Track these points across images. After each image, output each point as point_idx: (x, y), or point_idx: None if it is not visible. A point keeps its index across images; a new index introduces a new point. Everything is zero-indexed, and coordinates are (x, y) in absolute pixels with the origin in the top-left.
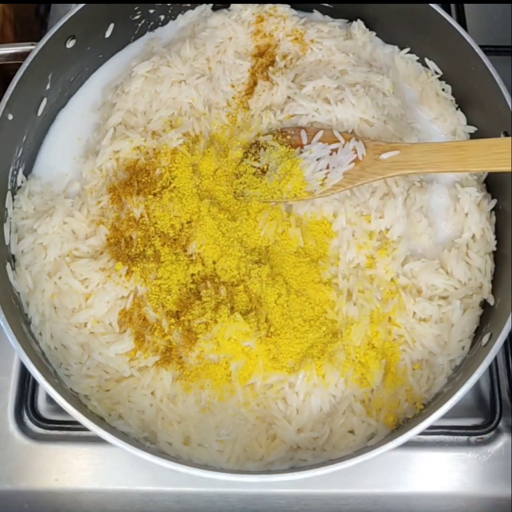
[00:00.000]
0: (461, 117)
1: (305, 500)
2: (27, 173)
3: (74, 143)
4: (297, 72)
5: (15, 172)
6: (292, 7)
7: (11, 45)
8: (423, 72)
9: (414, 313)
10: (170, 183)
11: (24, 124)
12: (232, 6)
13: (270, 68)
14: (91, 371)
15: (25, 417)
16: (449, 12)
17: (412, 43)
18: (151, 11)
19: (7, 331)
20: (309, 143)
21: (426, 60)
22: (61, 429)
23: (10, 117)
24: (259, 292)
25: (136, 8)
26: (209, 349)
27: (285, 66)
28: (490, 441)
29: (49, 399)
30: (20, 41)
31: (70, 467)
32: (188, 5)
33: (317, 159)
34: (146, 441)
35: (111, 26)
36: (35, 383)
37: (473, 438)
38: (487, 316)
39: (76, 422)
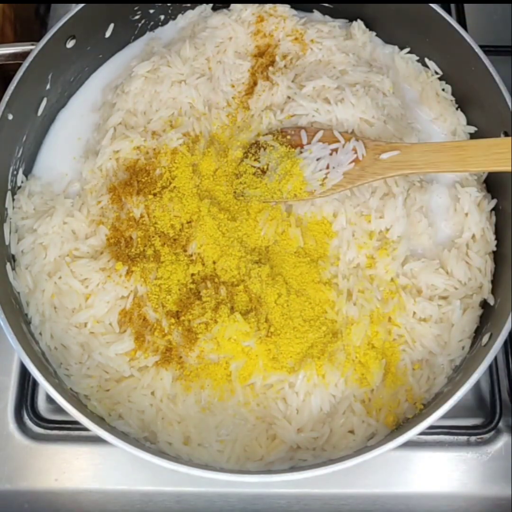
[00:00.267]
0: (461, 117)
1: (305, 500)
2: (27, 173)
3: (74, 143)
4: (297, 72)
5: (15, 172)
6: (292, 7)
7: (11, 45)
8: (423, 72)
9: (414, 313)
10: (170, 183)
11: (24, 124)
12: (232, 6)
13: (270, 68)
14: (91, 371)
15: (25, 417)
16: (449, 12)
17: (412, 43)
18: (151, 11)
19: (7, 331)
20: (309, 143)
21: (426, 60)
22: (61, 429)
23: (10, 117)
24: (259, 292)
25: (136, 8)
26: (209, 349)
27: (285, 66)
28: (490, 441)
29: (49, 399)
30: (20, 41)
31: (70, 467)
32: (188, 5)
33: (317, 159)
34: (146, 441)
35: (111, 26)
36: (35, 383)
37: (473, 438)
38: (487, 316)
39: (76, 422)
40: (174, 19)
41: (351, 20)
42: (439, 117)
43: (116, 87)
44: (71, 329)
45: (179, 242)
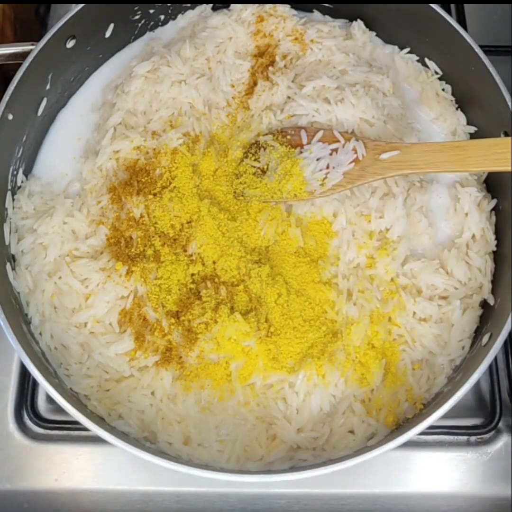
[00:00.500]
0: (461, 117)
1: (305, 500)
2: (27, 173)
3: (74, 143)
4: (297, 72)
5: (15, 172)
6: (292, 7)
7: (11, 45)
8: (423, 72)
9: (414, 313)
10: (170, 183)
11: (24, 124)
12: (232, 6)
13: (270, 68)
14: (91, 371)
15: (25, 417)
16: (449, 12)
17: (412, 43)
18: (151, 11)
19: (7, 331)
20: (309, 143)
21: (426, 60)
22: (61, 429)
23: (10, 117)
24: (259, 292)
25: (136, 8)
26: (209, 349)
27: (285, 66)
28: (490, 441)
29: (49, 399)
30: (20, 41)
31: (70, 467)
32: (188, 5)
33: (317, 159)
34: (146, 441)
35: (111, 26)
36: (35, 383)
37: (473, 438)
38: (487, 316)
39: (76, 422)
40: (174, 19)
41: (351, 20)
42: (439, 117)
43: (116, 87)
44: (71, 329)
45: (179, 242)
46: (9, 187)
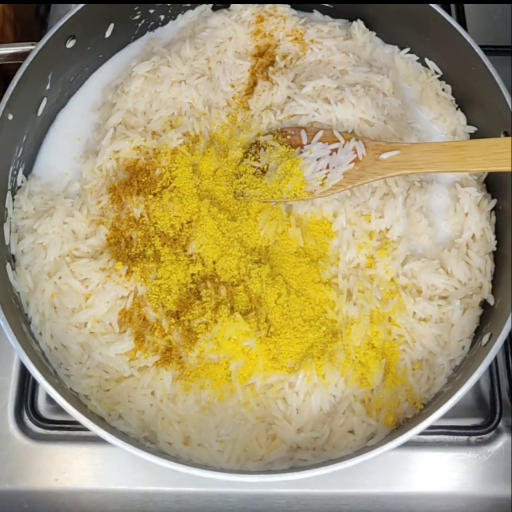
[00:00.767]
0: (461, 117)
1: (305, 500)
2: (27, 173)
3: (74, 143)
4: (297, 72)
5: (15, 172)
6: (292, 7)
7: (11, 45)
8: (423, 72)
9: (414, 313)
10: (170, 183)
11: (24, 124)
12: (232, 6)
13: (270, 68)
14: (91, 371)
15: (25, 417)
16: (449, 12)
17: (412, 43)
18: (151, 11)
19: (7, 331)
20: (309, 143)
21: (426, 60)
22: (61, 429)
23: (10, 117)
24: (259, 292)
25: (136, 8)
26: (209, 349)
27: (285, 66)
28: (490, 441)
29: (49, 399)
30: (20, 41)
31: (70, 467)
32: (188, 5)
33: (317, 159)
34: (146, 441)
35: (111, 26)
36: (35, 383)
37: (473, 438)
38: (487, 316)
39: (76, 422)
40: (174, 19)
41: (351, 20)
42: (439, 117)
43: (116, 87)
44: (71, 329)
45: (179, 242)
46: (9, 187)
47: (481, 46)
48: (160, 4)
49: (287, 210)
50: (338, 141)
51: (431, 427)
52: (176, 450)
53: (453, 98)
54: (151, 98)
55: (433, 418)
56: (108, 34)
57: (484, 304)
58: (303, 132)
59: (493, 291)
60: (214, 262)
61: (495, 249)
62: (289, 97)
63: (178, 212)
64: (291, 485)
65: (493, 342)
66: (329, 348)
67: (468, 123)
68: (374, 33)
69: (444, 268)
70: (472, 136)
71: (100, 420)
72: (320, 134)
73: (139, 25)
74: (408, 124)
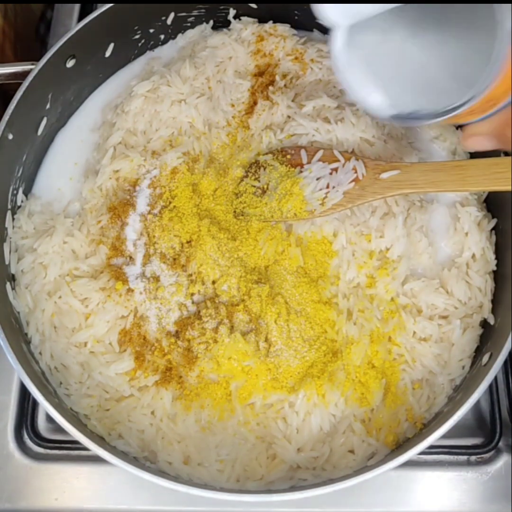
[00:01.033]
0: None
1: None
2: (27, 192)
3: (74, 163)
4: (297, 91)
5: (15, 192)
6: (292, 26)
7: (11, 65)
8: None
9: (414, 332)
10: (170, 202)
11: (24, 144)
12: (232, 25)
13: (270, 87)
14: (91, 391)
15: (25, 436)
16: None
17: None
18: (151, 30)
19: (7, 351)
20: (309, 162)
21: None
22: (61, 449)
23: (10, 136)
24: (259, 312)
25: (136, 28)
26: (209, 368)
27: (285, 85)
28: (490, 461)
29: (49, 419)
30: (20, 60)
31: (70, 487)
32: (188, 24)
33: (317, 179)
34: (146, 460)
35: (111, 45)
36: (35, 403)
37: (473, 458)
38: (487, 335)
39: (76, 442)
40: (174, 38)
41: None
42: (439, 137)
43: (116, 106)
44: (71, 349)
45: (178, 261)
46: (9, 206)
47: None
48: (159, 23)
49: (287, 230)
50: (338, 160)
51: (431, 446)
52: (176, 470)
53: None
54: (151, 117)
55: (433, 438)
56: (108, 53)
57: (484, 323)
58: (303, 152)
59: (493, 311)
60: (214, 282)
61: (495, 268)
62: (289, 117)
63: (178, 231)
64: (291, 504)
65: (493, 361)
66: (329, 367)
67: None
68: None
69: (444, 287)
70: (472, 155)
71: (100, 440)
72: (320, 153)
73: (139, 44)
74: (408, 143)
